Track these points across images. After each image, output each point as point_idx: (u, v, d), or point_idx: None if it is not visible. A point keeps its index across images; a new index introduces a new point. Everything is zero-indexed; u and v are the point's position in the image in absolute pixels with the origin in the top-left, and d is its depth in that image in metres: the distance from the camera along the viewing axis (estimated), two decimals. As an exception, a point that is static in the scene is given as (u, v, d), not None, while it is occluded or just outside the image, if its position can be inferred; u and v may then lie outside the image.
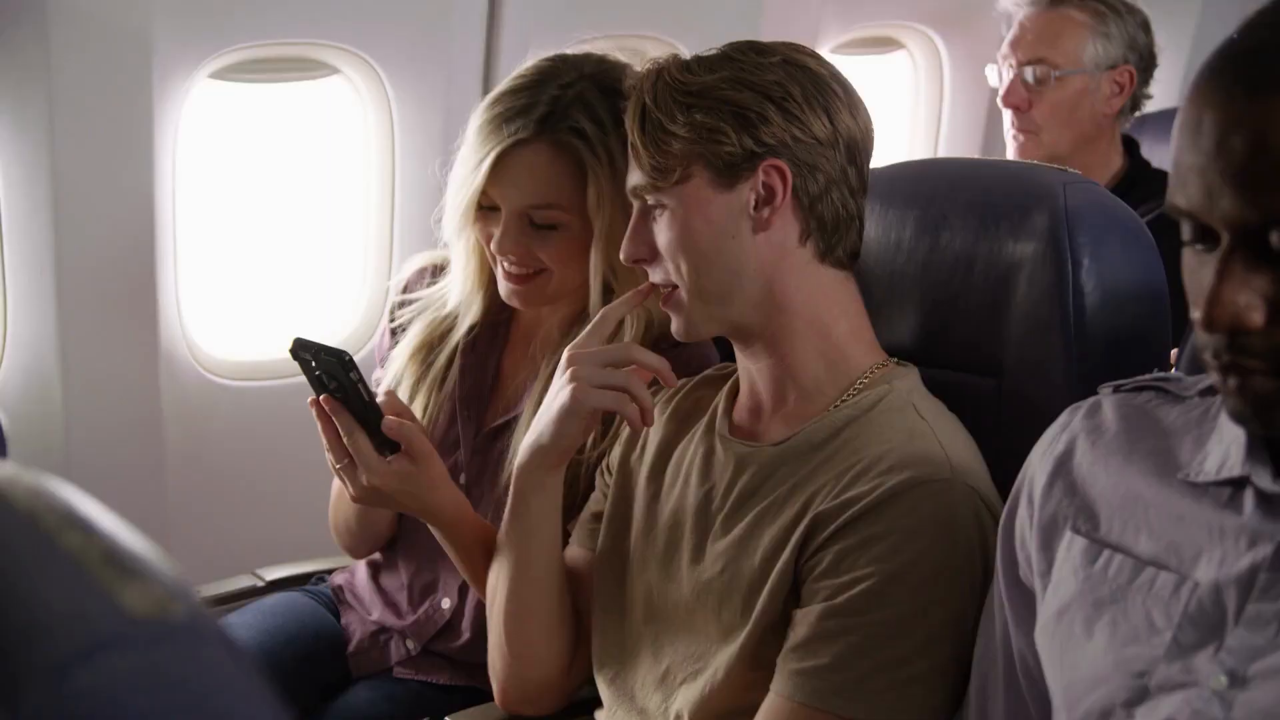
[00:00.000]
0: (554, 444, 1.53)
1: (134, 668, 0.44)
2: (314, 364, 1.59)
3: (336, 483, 1.90)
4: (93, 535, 0.47)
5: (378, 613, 1.98)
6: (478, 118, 1.74)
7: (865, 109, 1.49)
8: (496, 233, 1.73)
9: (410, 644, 1.93)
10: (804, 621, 1.37)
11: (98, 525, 0.47)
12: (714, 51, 1.46)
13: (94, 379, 2.39)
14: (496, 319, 1.89)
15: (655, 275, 1.50)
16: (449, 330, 1.89)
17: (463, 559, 1.72)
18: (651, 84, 1.46)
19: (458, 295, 1.87)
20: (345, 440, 1.61)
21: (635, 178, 1.49)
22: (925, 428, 1.40)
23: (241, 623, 2.00)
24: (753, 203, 1.44)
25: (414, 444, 1.62)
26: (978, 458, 1.41)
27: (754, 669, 1.42)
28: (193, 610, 0.46)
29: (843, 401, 1.46)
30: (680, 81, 1.44)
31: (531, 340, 1.86)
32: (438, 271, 1.93)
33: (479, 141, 1.72)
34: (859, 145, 1.47)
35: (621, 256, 1.53)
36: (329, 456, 1.64)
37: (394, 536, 1.97)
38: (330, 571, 2.14)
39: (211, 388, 2.57)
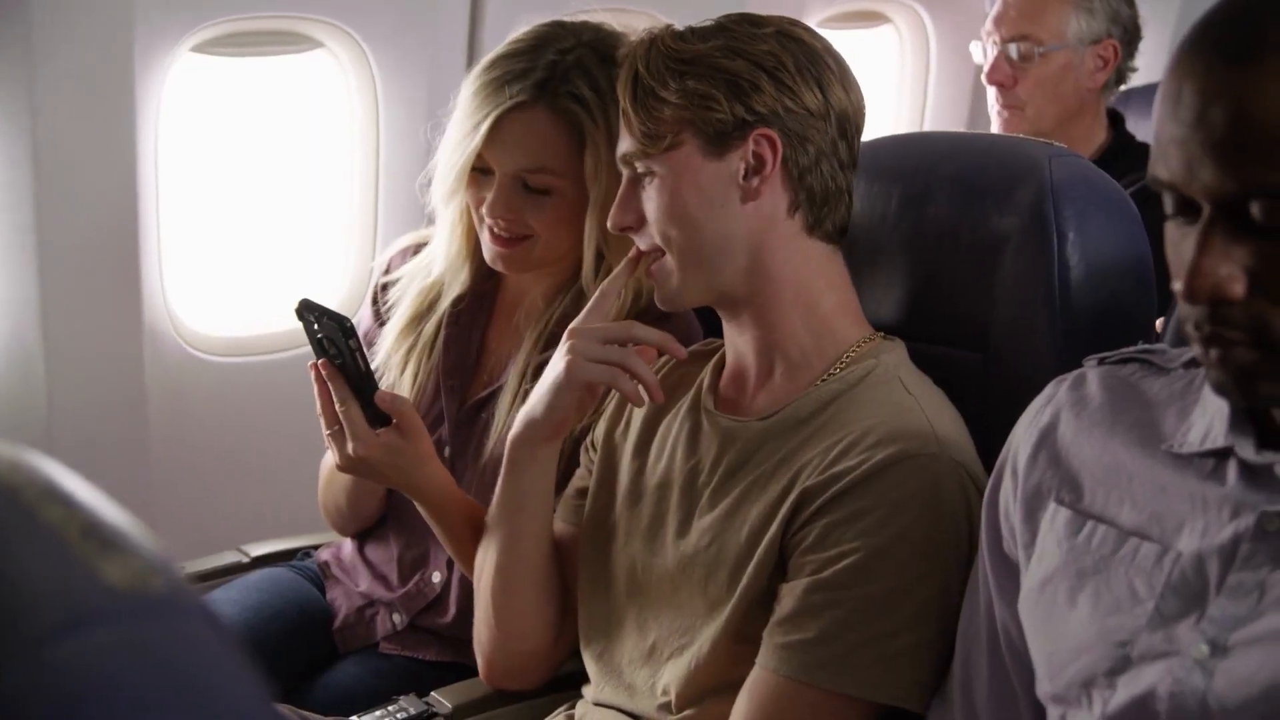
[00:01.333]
0: (545, 417, 1.54)
1: (115, 641, 0.44)
2: (316, 327, 1.60)
3: (326, 463, 1.90)
4: (73, 509, 0.47)
5: (365, 584, 1.98)
6: (473, 82, 1.74)
7: (858, 84, 1.49)
8: (489, 196, 1.73)
9: (397, 618, 1.93)
10: (790, 595, 1.37)
11: (78, 499, 0.47)
12: (708, 22, 1.47)
13: (77, 354, 2.39)
14: (482, 289, 1.89)
15: (642, 242, 1.50)
16: (436, 299, 1.89)
17: (449, 537, 1.72)
18: (645, 51, 1.46)
19: (443, 262, 1.87)
20: (338, 407, 1.61)
21: (625, 145, 1.48)
22: (912, 402, 1.41)
23: (226, 598, 1.99)
24: (742, 171, 1.44)
25: (405, 418, 1.62)
26: (964, 432, 1.42)
27: (739, 643, 1.42)
28: (174, 584, 0.46)
29: (829, 375, 1.46)
30: (674, 49, 1.44)
31: (516, 312, 1.86)
32: (420, 252, 1.93)
33: (476, 104, 1.72)
34: (850, 120, 1.47)
35: (609, 224, 1.53)
36: (321, 421, 1.64)
37: (384, 512, 1.97)
38: (316, 547, 2.14)
39: (195, 363, 2.56)
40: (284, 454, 2.40)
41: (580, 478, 1.67)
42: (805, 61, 1.44)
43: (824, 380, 1.46)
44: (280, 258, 2.81)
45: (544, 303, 1.83)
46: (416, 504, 1.72)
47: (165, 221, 2.48)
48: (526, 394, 1.75)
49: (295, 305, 1.60)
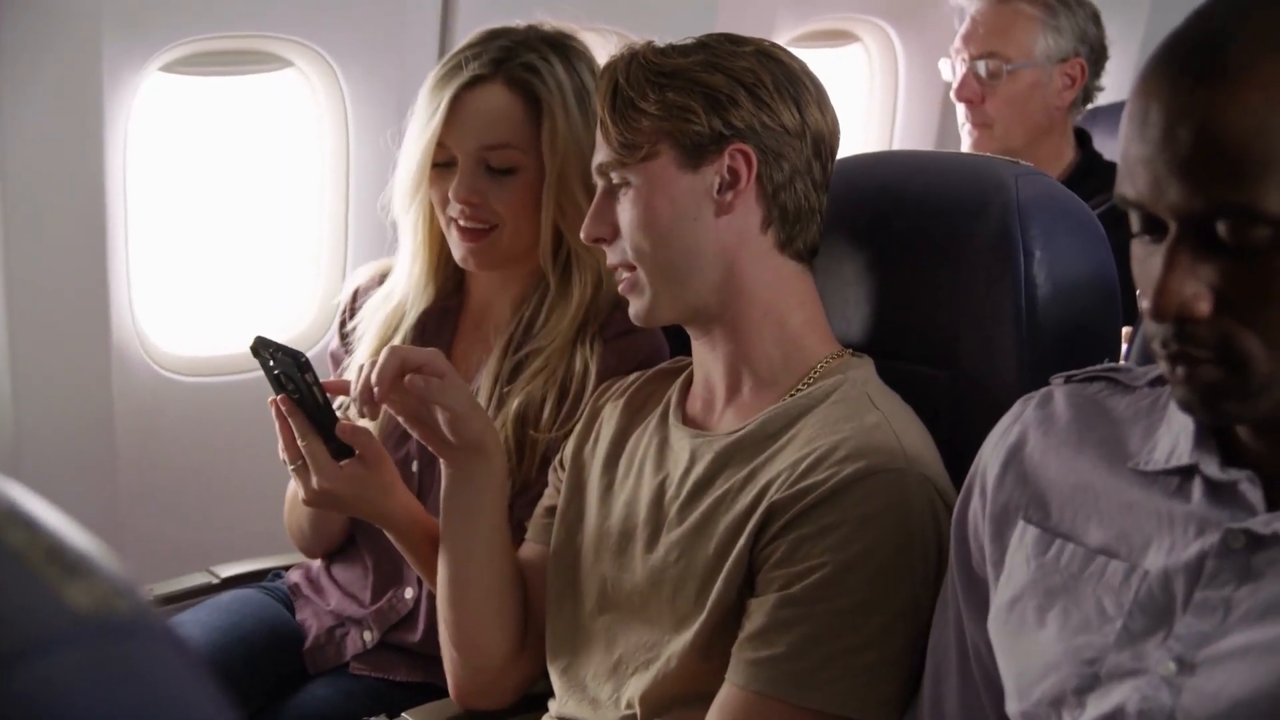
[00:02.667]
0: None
1: (78, 665, 0.43)
2: (272, 363, 1.58)
3: (291, 485, 1.89)
4: (37, 532, 0.46)
5: (335, 602, 1.97)
6: (430, 79, 1.77)
7: (833, 107, 1.51)
8: (453, 184, 1.74)
9: (368, 635, 1.92)
10: (759, 610, 1.38)
11: (42, 522, 0.47)
12: (689, 39, 1.48)
13: (45, 374, 2.37)
14: (447, 305, 1.89)
15: (613, 256, 1.51)
16: (400, 323, 1.89)
17: (417, 560, 1.71)
18: (625, 63, 1.47)
19: (406, 281, 1.87)
20: (300, 442, 1.60)
21: (602, 154, 1.49)
22: (880, 417, 1.41)
23: (194, 619, 1.98)
24: (717, 185, 1.45)
25: (367, 448, 1.61)
26: (932, 448, 1.42)
27: (706, 659, 1.42)
28: (138, 607, 0.46)
29: (797, 391, 1.47)
30: (654, 63, 1.45)
31: (483, 323, 1.86)
32: (385, 280, 1.93)
33: (433, 93, 1.75)
34: (825, 141, 1.48)
35: (582, 235, 1.54)
36: (283, 457, 1.63)
37: (352, 532, 1.96)
38: (287, 568, 2.12)
39: (164, 383, 2.55)
40: (254, 474, 2.39)
41: (549, 497, 1.67)
42: (784, 80, 1.45)
43: (791, 395, 1.47)
44: (250, 277, 2.80)
45: (511, 310, 1.83)
46: (385, 531, 1.71)
47: (134, 241, 2.47)
48: (503, 398, 1.75)
49: (250, 343, 1.59)
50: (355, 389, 1.53)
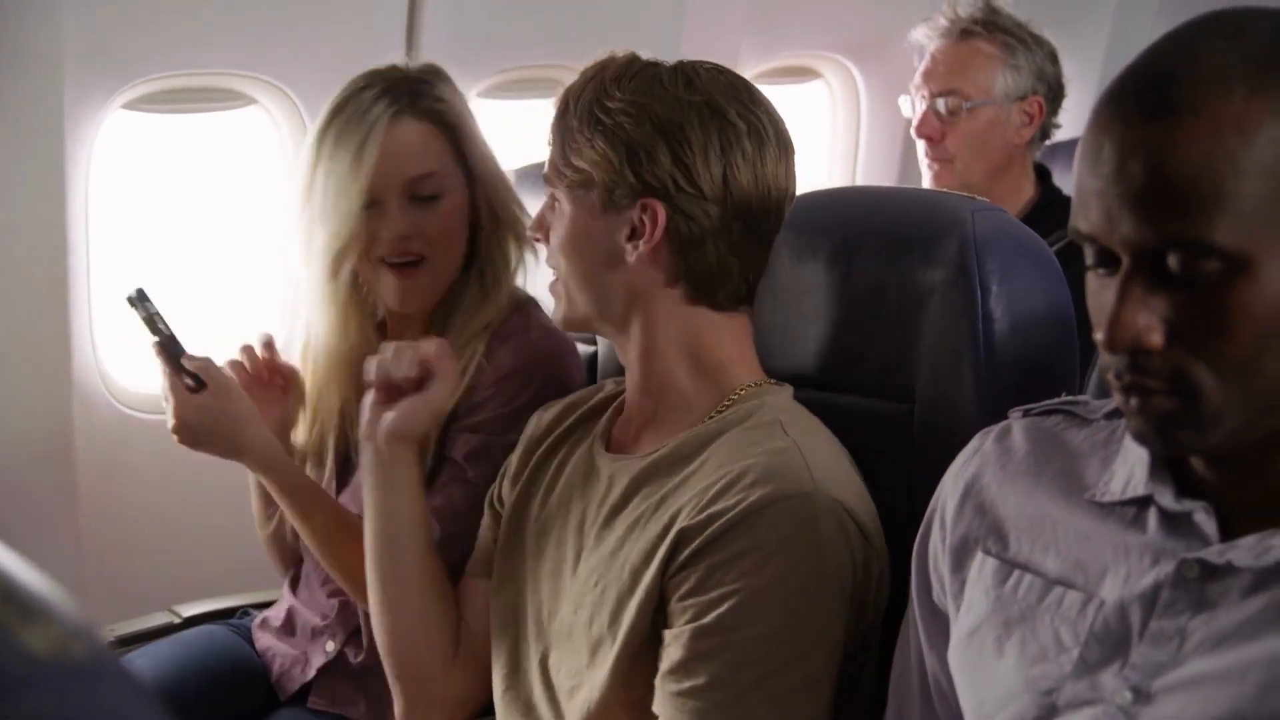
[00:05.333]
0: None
1: (36, 709, 0.43)
2: (141, 310, 1.74)
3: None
4: (-7, 575, 0.46)
5: (300, 620, 1.97)
6: (322, 131, 1.81)
7: (782, 166, 1.46)
8: (383, 225, 1.79)
9: (330, 645, 1.92)
10: (675, 642, 1.37)
11: (-2, 564, 0.47)
12: (655, 68, 1.46)
13: (4, 410, 2.35)
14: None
15: (547, 258, 1.56)
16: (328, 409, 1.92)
17: (292, 507, 1.80)
18: (580, 87, 1.47)
19: (325, 345, 1.90)
20: (164, 379, 1.75)
21: (546, 165, 1.52)
22: (788, 442, 1.41)
23: (154, 653, 1.97)
24: (626, 234, 1.46)
25: (214, 379, 1.75)
26: (848, 472, 1.43)
27: (628, 688, 1.42)
28: (96, 650, 0.46)
29: (711, 417, 1.48)
30: (604, 93, 1.45)
31: (402, 335, 1.87)
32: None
33: (345, 139, 1.78)
34: (753, 204, 1.44)
35: (528, 230, 1.63)
36: (163, 397, 1.77)
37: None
38: (254, 606, 2.12)
39: (126, 421, 2.53)
40: (216, 512, 2.38)
41: (488, 527, 1.67)
42: (716, 141, 1.42)
43: (706, 421, 1.47)
44: (214, 313, 2.79)
45: (425, 321, 1.87)
46: (251, 472, 1.83)
47: (96, 278, 2.46)
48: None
49: (128, 295, 1.74)
50: (381, 364, 1.60)
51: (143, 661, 1.95)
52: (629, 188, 1.44)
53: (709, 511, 1.37)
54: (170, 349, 1.75)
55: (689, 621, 1.36)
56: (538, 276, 1.78)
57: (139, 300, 1.74)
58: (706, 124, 1.43)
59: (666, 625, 1.40)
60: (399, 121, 1.78)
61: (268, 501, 1.93)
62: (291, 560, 2.01)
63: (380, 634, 1.66)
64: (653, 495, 1.45)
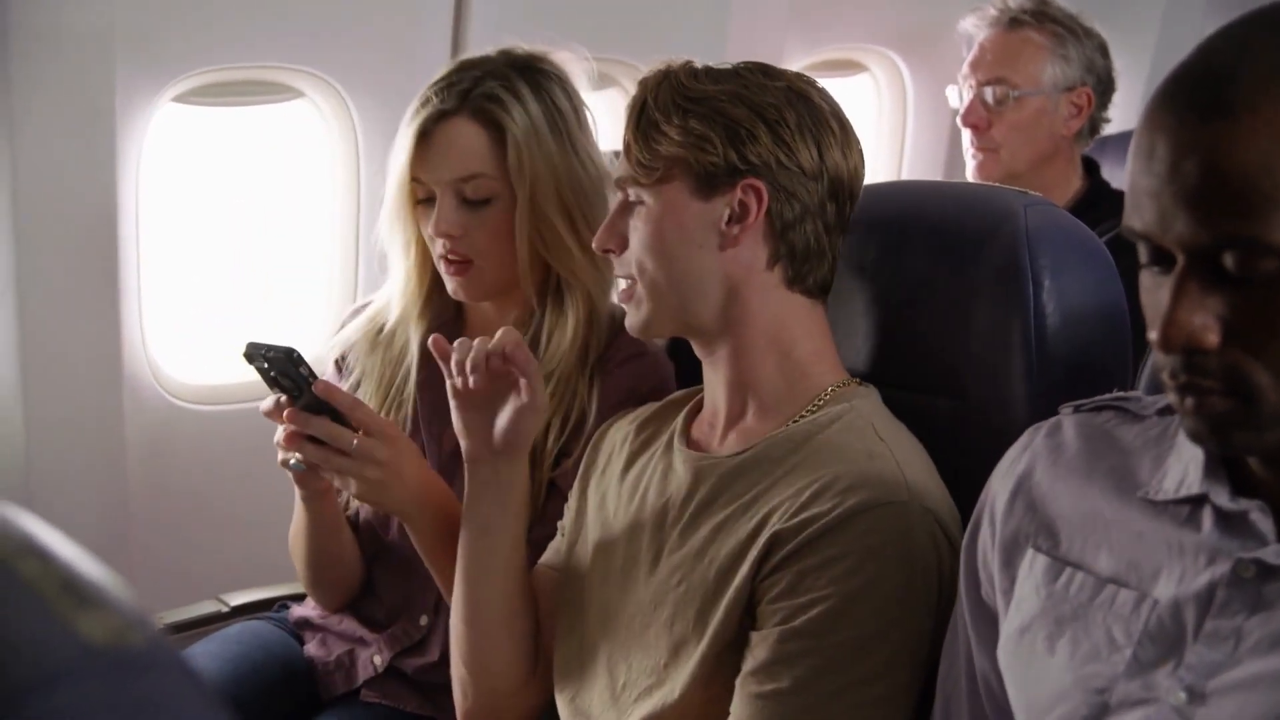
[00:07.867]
0: (462, 434, 1.58)
1: (92, 697, 0.44)
2: (267, 365, 1.59)
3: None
4: (50, 563, 0.47)
5: (346, 626, 1.96)
6: (406, 115, 1.79)
7: (859, 151, 1.50)
8: (432, 219, 1.77)
9: (379, 659, 1.91)
10: (762, 644, 1.37)
11: (55, 553, 0.47)
12: (725, 66, 1.48)
13: (56, 403, 2.38)
14: (446, 323, 1.88)
15: (619, 268, 1.53)
16: (403, 352, 1.89)
17: (438, 559, 1.70)
18: (656, 84, 1.48)
19: (400, 303, 1.88)
20: (327, 438, 1.60)
21: (622, 169, 1.51)
22: (884, 448, 1.41)
23: (205, 651, 1.98)
24: (726, 217, 1.45)
25: (384, 427, 1.63)
26: (936, 480, 1.42)
27: (707, 688, 1.41)
28: (152, 639, 0.46)
29: (801, 417, 1.47)
30: (684, 86, 1.46)
31: None
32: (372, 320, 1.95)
33: (404, 129, 1.78)
34: (844, 184, 1.47)
35: (594, 244, 1.55)
36: (282, 457, 1.64)
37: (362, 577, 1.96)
38: (297, 597, 2.12)
39: (176, 411, 2.56)
40: (264, 502, 2.38)
41: (562, 526, 1.67)
42: (808, 120, 1.45)
43: (795, 421, 1.47)
44: (261, 305, 2.81)
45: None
46: (414, 524, 1.69)
47: (146, 271, 2.48)
48: None
49: (243, 350, 1.60)
50: (466, 359, 1.53)
51: (192, 658, 1.95)
52: (729, 168, 1.44)
53: (803, 516, 1.36)
54: (325, 409, 1.59)
55: (778, 624, 1.36)
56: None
57: (279, 354, 1.58)
58: (795, 105, 1.45)
59: (754, 627, 1.39)
60: (450, 119, 1.76)
61: (317, 564, 1.90)
62: (345, 599, 1.98)
63: (459, 645, 1.63)
64: (742, 496, 1.45)
